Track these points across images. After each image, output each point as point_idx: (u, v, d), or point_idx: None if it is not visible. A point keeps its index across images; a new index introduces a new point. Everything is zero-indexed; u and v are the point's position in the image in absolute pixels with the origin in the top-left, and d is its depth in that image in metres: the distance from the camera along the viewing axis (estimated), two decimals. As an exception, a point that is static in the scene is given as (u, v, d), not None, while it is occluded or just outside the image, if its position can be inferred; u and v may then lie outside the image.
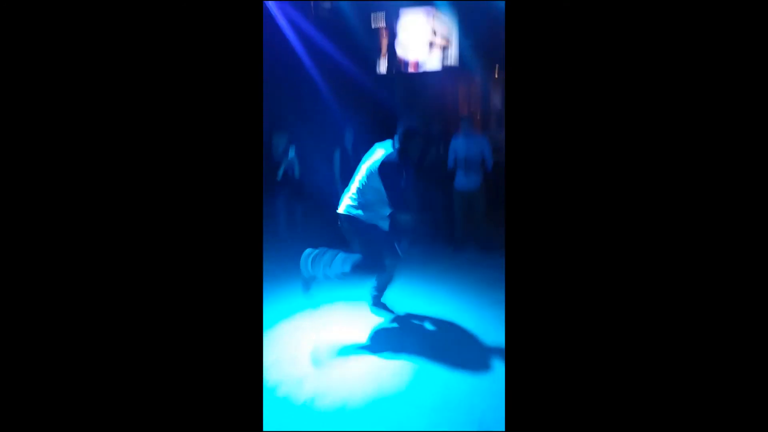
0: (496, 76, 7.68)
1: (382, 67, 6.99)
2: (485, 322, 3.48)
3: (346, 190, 3.36)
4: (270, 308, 3.88)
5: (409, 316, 3.70)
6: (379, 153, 3.22)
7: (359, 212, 3.22)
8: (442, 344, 3.23)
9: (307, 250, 3.31)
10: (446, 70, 7.12)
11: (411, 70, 7.09)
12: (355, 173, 3.33)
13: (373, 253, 3.21)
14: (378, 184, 3.12)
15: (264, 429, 1.98)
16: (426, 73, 7.19)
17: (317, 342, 3.27)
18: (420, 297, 4.06)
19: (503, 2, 1.99)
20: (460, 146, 5.25)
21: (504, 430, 1.77)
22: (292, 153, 4.91)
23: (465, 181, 5.25)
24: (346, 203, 3.29)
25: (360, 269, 3.23)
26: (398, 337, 3.36)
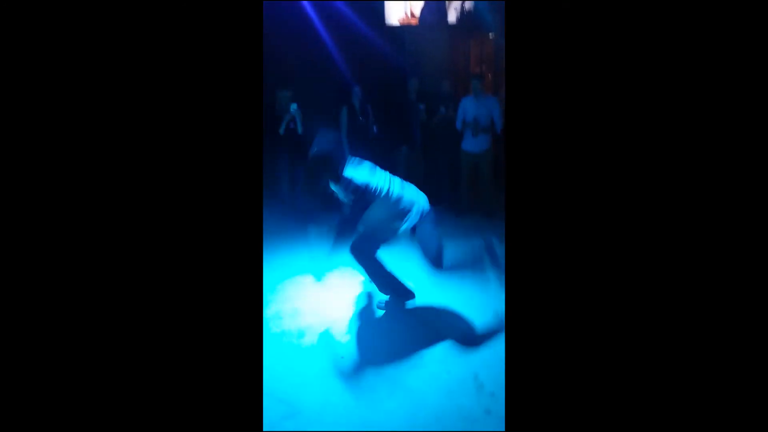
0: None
1: (392, 18, 6.69)
2: (486, 293, 3.41)
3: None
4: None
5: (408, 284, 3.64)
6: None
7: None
8: (440, 315, 3.18)
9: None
10: (459, 26, 6.81)
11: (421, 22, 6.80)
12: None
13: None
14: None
15: (264, 429, 1.95)
16: (437, 28, 6.88)
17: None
18: (418, 264, 3.98)
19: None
20: (469, 106, 5.07)
21: (504, 430, 1.74)
22: (294, 107, 4.80)
23: (473, 143, 5.10)
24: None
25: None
26: (395, 305, 3.31)
